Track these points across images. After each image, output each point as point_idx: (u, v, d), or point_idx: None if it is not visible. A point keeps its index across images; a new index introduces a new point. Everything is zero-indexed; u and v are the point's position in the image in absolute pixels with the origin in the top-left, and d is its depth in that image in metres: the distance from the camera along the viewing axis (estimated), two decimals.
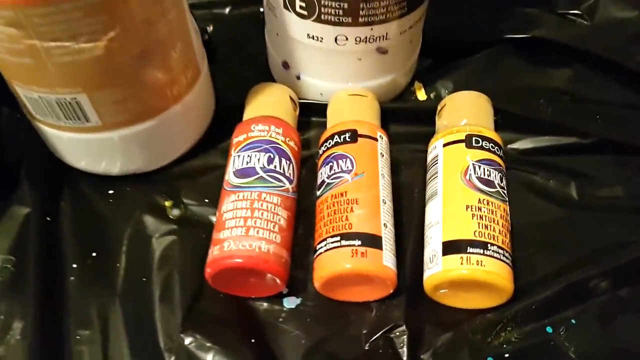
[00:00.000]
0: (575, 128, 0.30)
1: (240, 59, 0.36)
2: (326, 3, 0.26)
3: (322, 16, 0.27)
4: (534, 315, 0.24)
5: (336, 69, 0.30)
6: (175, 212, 0.28)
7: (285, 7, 0.28)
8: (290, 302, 0.25)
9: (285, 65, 0.32)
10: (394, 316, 0.24)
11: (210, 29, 0.37)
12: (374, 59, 0.29)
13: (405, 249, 0.26)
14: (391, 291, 0.24)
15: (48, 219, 0.27)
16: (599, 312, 0.24)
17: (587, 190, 0.29)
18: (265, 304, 0.25)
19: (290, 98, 0.30)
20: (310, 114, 0.32)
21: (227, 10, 0.38)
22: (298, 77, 0.32)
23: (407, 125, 0.32)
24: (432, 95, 0.34)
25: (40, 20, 0.20)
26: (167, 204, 0.28)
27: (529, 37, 0.34)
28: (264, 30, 0.33)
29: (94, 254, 0.26)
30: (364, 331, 0.24)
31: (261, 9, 0.38)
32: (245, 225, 0.23)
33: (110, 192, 0.29)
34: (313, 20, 0.27)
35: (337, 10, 0.27)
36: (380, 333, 0.24)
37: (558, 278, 0.25)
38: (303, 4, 0.27)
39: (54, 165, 0.29)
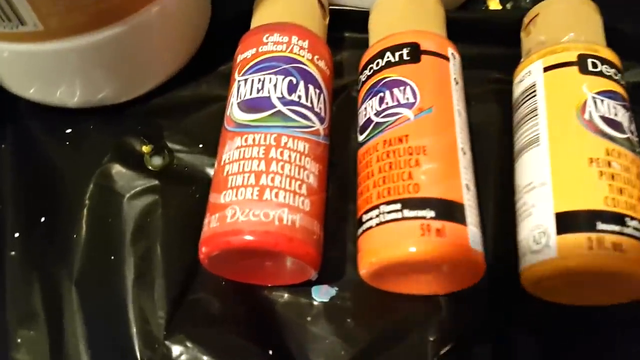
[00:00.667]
0: None
1: None
2: None
3: None
4: None
5: None
6: (157, 162, 0.20)
7: None
8: (322, 294, 0.18)
9: None
10: (473, 317, 0.17)
11: None
12: None
13: (484, 221, 0.18)
14: (476, 282, 0.16)
15: None
16: None
17: None
18: (286, 296, 0.18)
19: (319, 1, 0.21)
20: (344, 28, 0.24)
21: None
22: None
23: (475, 44, 0.23)
24: (508, 5, 0.25)
25: None
26: (145, 149, 0.20)
27: None
28: None
29: (42, 220, 0.19)
30: (431, 338, 0.17)
31: None
32: (259, 184, 0.16)
33: (68, 131, 0.21)
34: None
35: None
36: (454, 341, 0.17)
37: None
38: None
39: None
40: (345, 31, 0.24)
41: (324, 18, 0.22)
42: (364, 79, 0.20)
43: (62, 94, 0.20)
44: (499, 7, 0.25)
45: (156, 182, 0.19)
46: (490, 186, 0.20)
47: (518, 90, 0.20)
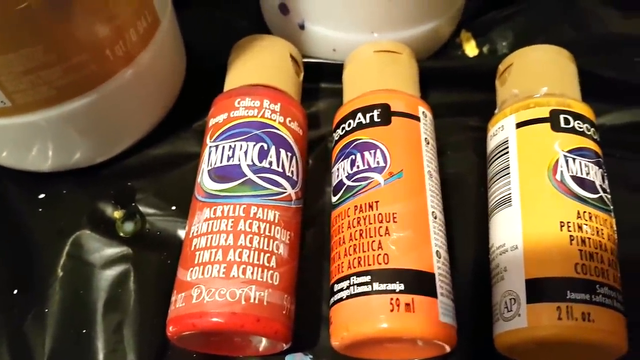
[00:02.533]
0: None
1: (225, 2, 0.27)
2: None
3: None
4: None
5: (357, 13, 0.22)
6: (128, 228, 0.20)
7: None
8: None
9: (284, 8, 0.23)
10: None
11: None
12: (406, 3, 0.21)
13: (461, 278, 0.19)
14: (448, 351, 0.17)
15: None
16: None
17: None
18: None
19: (292, 57, 0.22)
20: (320, 79, 0.24)
21: None
22: (302, 26, 0.23)
23: (452, 91, 0.24)
24: (485, 50, 0.25)
25: None
26: (116, 214, 0.20)
27: None
28: None
29: (15, 292, 0.19)
30: None
31: None
32: (226, 261, 0.16)
33: (41, 196, 0.21)
34: None
35: None
36: None
37: None
38: None
39: None
40: (322, 82, 0.24)
41: (298, 74, 0.22)
42: (337, 138, 0.20)
43: (34, 160, 0.21)
44: (476, 51, 0.25)
45: (128, 249, 0.20)
46: (469, 239, 0.20)
47: (492, 144, 0.20)
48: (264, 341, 0.17)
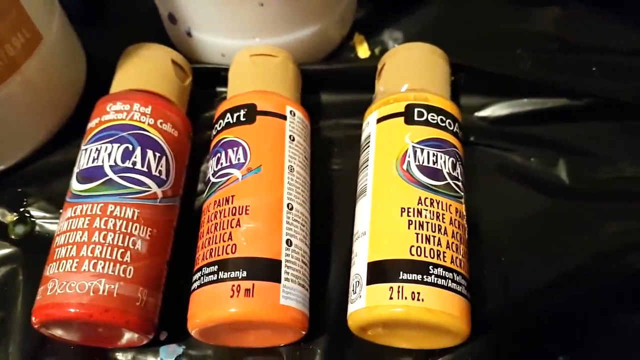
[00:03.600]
0: (565, 86, 0.23)
1: (136, 13, 0.28)
2: None
3: None
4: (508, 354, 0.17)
5: (235, 20, 0.23)
6: (19, 230, 0.21)
7: None
8: (168, 353, 0.19)
9: (172, 18, 0.24)
10: None
11: None
12: (283, 4, 0.22)
13: (335, 270, 0.19)
14: (303, 334, 0.17)
15: None
16: (600, 349, 0.18)
17: (581, 171, 0.22)
18: (131, 357, 0.18)
19: (174, 62, 0.23)
20: (215, 83, 0.25)
21: None
22: (189, 34, 0.24)
23: (343, 93, 0.25)
24: (377, 51, 0.26)
25: None
26: (9, 218, 0.21)
27: None
28: None
29: None
30: None
31: None
32: (79, 256, 0.17)
33: None
34: None
35: None
36: None
37: (543, 300, 0.18)
38: None
39: None
40: (217, 86, 0.25)
41: (182, 79, 0.23)
42: (212, 136, 0.21)
43: None
44: (368, 53, 0.26)
45: (17, 249, 0.20)
46: (347, 233, 0.21)
47: (362, 137, 0.21)
48: (125, 333, 0.17)
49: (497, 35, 0.26)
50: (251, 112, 0.20)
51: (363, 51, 0.26)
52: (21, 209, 0.22)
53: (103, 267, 0.17)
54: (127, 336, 0.18)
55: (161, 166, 0.19)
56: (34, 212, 0.22)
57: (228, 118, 0.20)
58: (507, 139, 0.23)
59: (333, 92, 0.25)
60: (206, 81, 0.25)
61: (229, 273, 0.16)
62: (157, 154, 0.20)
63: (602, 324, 0.18)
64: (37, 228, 0.21)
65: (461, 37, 0.26)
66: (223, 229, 0.17)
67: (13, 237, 0.21)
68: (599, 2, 0.26)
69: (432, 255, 0.16)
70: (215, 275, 0.17)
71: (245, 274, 0.16)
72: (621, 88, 0.23)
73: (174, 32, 0.25)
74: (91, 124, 0.20)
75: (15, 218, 0.21)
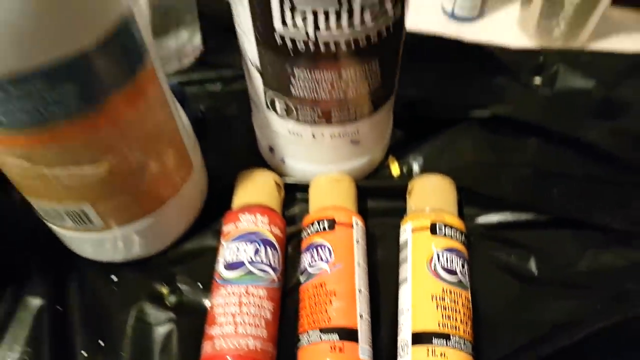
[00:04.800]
0: (535, 204, 0.32)
1: (231, 134, 0.37)
2: (303, 108, 0.28)
3: (300, 117, 0.28)
4: None
5: (316, 155, 0.32)
6: (172, 299, 0.29)
7: (267, 107, 0.29)
8: None
9: (271, 149, 0.33)
10: None
11: (202, 107, 0.38)
12: (349, 147, 0.31)
13: (383, 333, 0.28)
14: None
15: (59, 308, 0.28)
16: None
17: (545, 265, 0.30)
18: None
19: (276, 183, 0.31)
20: (295, 191, 0.34)
21: (218, 86, 0.40)
22: (282, 161, 0.33)
23: (383, 200, 0.33)
24: (404, 170, 0.35)
25: (47, 152, 0.22)
26: (164, 290, 0.30)
27: (493, 116, 0.35)
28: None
29: (101, 343, 0.28)
30: None
31: None
32: (234, 322, 0.25)
33: (114, 278, 0.30)
34: (293, 121, 0.29)
35: (312, 114, 0.28)
36: None
37: (517, 358, 0.26)
38: (284, 107, 0.28)
39: (61, 252, 0.30)
40: (297, 192, 0.34)
41: (280, 193, 0.32)
42: (304, 237, 0.29)
43: (108, 255, 0.30)
44: (398, 171, 0.35)
45: (172, 314, 0.28)
46: (390, 307, 0.28)
47: (401, 239, 0.29)
48: None
49: (488, 163, 0.35)
50: (332, 223, 0.28)
51: (395, 169, 0.35)
52: (172, 283, 0.30)
53: (250, 330, 0.25)
54: None
55: (275, 259, 0.28)
56: (181, 286, 0.30)
57: (316, 226, 0.29)
58: (495, 240, 0.32)
59: (375, 199, 0.34)
60: (290, 190, 0.33)
61: (327, 336, 0.25)
62: (272, 250, 0.28)
63: None
64: (184, 298, 0.30)
65: (463, 163, 0.35)
66: (320, 305, 0.26)
67: (168, 304, 0.29)
68: (561, 139, 0.35)
69: (451, 328, 0.25)
70: (319, 337, 0.25)
71: (337, 337, 0.25)
72: (575, 206, 0.32)
73: (272, 158, 0.34)
74: (228, 228, 0.29)
75: (168, 290, 0.30)
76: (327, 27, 0.22)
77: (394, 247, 0.30)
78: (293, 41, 0.24)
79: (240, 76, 0.39)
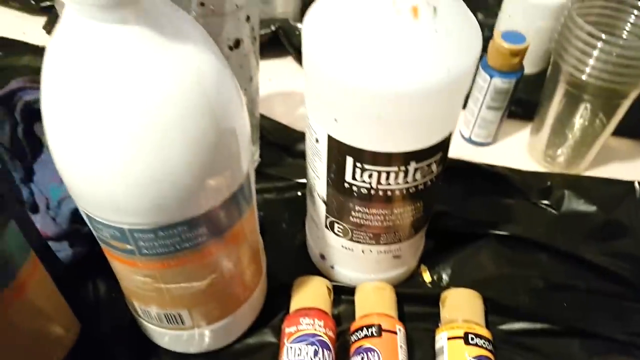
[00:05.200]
0: (548, 315, 0.37)
1: (284, 238, 0.43)
2: (358, 232, 0.34)
3: (354, 237, 0.35)
4: None
5: (362, 266, 0.37)
6: None
7: (326, 227, 0.35)
8: None
9: (322, 256, 0.39)
10: None
11: (262, 214, 0.45)
12: (391, 261, 0.37)
13: None
14: None
15: None
16: None
17: None
18: None
19: (327, 288, 0.37)
20: (341, 293, 0.39)
21: (273, 195, 0.46)
22: (332, 267, 0.39)
23: (417, 306, 0.38)
24: (435, 277, 0.41)
25: (169, 273, 0.28)
26: None
27: (508, 234, 0.41)
28: (301, 212, 0.41)
29: None
30: None
31: (299, 193, 0.46)
32: None
33: None
34: (347, 239, 0.35)
35: (365, 236, 0.34)
36: None
37: None
38: (341, 229, 0.34)
39: (141, 340, 0.35)
40: (342, 294, 0.39)
41: (330, 296, 0.37)
42: (353, 340, 0.34)
43: (184, 346, 0.35)
44: (430, 278, 0.40)
45: None
46: None
47: (437, 345, 0.34)
48: None
49: (507, 276, 0.40)
50: (379, 330, 0.34)
51: (427, 277, 0.41)
52: None
53: None
54: None
55: (330, 358, 0.33)
56: None
57: (365, 331, 0.34)
58: (516, 346, 0.37)
59: (412, 304, 0.39)
60: (336, 291, 0.39)
61: None
62: (327, 351, 0.33)
63: None
64: None
65: (485, 275, 0.40)
66: None
67: None
68: (567, 256, 0.41)
69: None
70: None
71: None
72: (581, 318, 0.37)
73: (322, 264, 0.40)
74: (290, 329, 0.34)
75: None
76: (387, 181, 0.29)
77: (430, 351, 0.35)
78: (358, 188, 0.30)
79: (292, 187, 0.46)
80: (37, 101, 0.43)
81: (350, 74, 0.23)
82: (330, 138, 0.28)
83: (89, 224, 0.27)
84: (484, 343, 0.33)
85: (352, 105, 0.25)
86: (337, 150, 0.29)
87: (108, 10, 0.20)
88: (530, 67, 0.47)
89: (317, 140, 0.30)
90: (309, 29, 0.25)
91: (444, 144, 0.28)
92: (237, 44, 0.36)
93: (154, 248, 0.26)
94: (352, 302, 0.37)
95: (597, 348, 0.36)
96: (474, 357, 0.32)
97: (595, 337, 0.36)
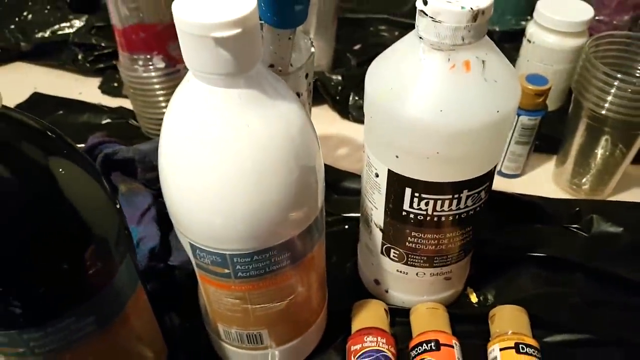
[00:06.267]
0: (586, 328, 0.40)
1: (335, 268, 0.47)
2: (412, 256, 0.38)
3: (409, 262, 0.38)
4: None
5: (416, 289, 0.41)
6: None
7: (382, 253, 0.39)
8: None
9: (377, 282, 0.43)
10: None
11: None
12: (442, 283, 0.40)
13: None
14: None
15: None
16: None
17: None
18: None
19: (385, 310, 0.40)
20: (396, 315, 0.42)
21: None
22: (386, 291, 0.42)
23: (467, 324, 0.41)
24: (481, 298, 0.44)
25: (257, 294, 0.32)
26: None
27: (546, 255, 0.45)
28: (348, 244, 0.44)
29: None
30: None
31: (346, 227, 0.50)
32: None
33: None
34: (402, 264, 0.39)
35: (419, 260, 0.38)
36: None
37: None
38: (396, 254, 0.38)
39: None
40: (396, 317, 0.43)
41: (387, 317, 0.41)
42: (413, 355, 0.37)
43: None
44: (476, 299, 0.44)
45: None
46: None
47: (490, 357, 0.37)
48: None
49: (546, 294, 0.43)
50: (437, 344, 0.37)
51: (473, 298, 0.44)
52: None
53: None
54: None
55: None
56: None
57: (424, 346, 0.37)
58: (558, 356, 0.39)
59: (461, 324, 0.42)
60: (390, 314, 0.42)
61: None
62: None
63: None
64: None
65: (526, 294, 0.43)
66: None
67: None
68: (601, 274, 0.44)
69: None
70: None
71: None
72: (617, 329, 0.40)
73: (376, 288, 0.43)
74: (356, 347, 0.37)
75: None
76: (442, 208, 0.33)
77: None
78: (415, 215, 0.34)
79: (339, 222, 0.50)
80: (115, 153, 0.49)
81: (415, 117, 0.28)
82: (390, 172, 0.33)
83: (191, 254, 0.31)
84: (533, 351, 0.36)
85: (415, 144, 0.29)
86: (397, 183, 0.33)
87: (227, 78, 0.25)
88: (550, 105, 0.52)
89: (376, 175, 0.34)
90: (378, 80, 0.30)
91: (491, 174, 0.33)
92: (298, 96, 0.41)
93: (248, 271, 0.30)
94: (407, 324, 0.41)
95: (636, 356, 0.38)
96: None
97: (633, 345, 0.39)
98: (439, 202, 0.33)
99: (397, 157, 0.31)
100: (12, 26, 0.73)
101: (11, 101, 0.65)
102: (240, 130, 0.26)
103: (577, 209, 0.49)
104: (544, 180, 0.54)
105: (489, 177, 0.32)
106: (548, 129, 0.53)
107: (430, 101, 0.28)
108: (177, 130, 0.27)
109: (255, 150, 0.26)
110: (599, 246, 0.46)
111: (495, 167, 0.33)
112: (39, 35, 0.72)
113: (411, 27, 0.29)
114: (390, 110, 0.29)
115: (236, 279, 0.30)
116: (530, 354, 0.36)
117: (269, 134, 0.26)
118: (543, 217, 0.49)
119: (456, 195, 0.32)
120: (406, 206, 0.34)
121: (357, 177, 0.53)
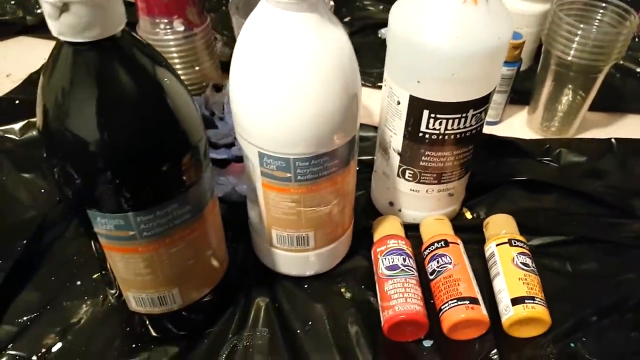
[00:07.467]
0: (559, 231, 0.49)
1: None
2: (424, 174, 0.45)
3: (421, 180, 0.46)
4: (562, 336, 0.41)
5: (424, 205, 0.49)
6: (348, 295, 0.44)
7: (398, 175, 0.47)
8: (427, 343, 0.41)
9: (391, 203, 0.50)
10: (488, 345, 0.40)
11: None
12: (446, 199, 0.48)
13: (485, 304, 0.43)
14: (487, 329, 0.40)
15: (276, 304, 0.43)
16: None
17: (576, 266, 0.46)
18: (412, 345, 0.41)
19: (400, 223, 0.48)
20: (407, 230, 0.50)
21: None
22: (400, 210, 0.50)
23: (464, 233, 0.49)
24: (475, 215, 0.52)
25: (309, 197, 0.38)
26: (342, 289, 0.45)
27: (527, 179, 0.53)
28: (359, 181, 0.52)
29: (310, 323, 0.42)
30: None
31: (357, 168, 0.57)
32: (404, 297, 0.40)
33: (305, 286, 0.45)
34: (415, 182, 0.46)
35: (429, 177, 0.45)
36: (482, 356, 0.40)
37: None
38: (411, 174, 0.46)
39: (264, 274, 0.45)
40: (408, 232, 0.50)
41: (402, 228, 0.48)
42: (426, 253, 0.45)
43: (303, 270, 0.45)
44: (470, 216, 0.52)
45: (351, 303, 0.43)
46: (485, 290, 0.44)
47: (487, 253, 0.46)
48: (419, 327, 0.40)
49: (528, 208, 0.52)
50: (446, 242, 0.45)
51: (468, 215, 0.52)
52: (347, 285, 0.45)
53: (414, 300, 0.40)
54: (418, 330, 0.40)
55: (413, 263, 0.44)
56: (352, 287, 0.45)
57: (436, 244, 0.45)
58: (542, 253, 0.48)
59: (459, 233, 0.50)
60: (407, 227, 0.50)
61: (461, 302, 0.40)
62: (411, 259, 0.44)
63: None
64: (356, 294, 0.44)
65: (511, 209, 0.52)
66: (452, 286, 0.41)
67: (346, 298, 0.44)
68: (571, 192, 0.53)
69: (534, 293, 0.40)
70: (456, 303, 0.40)
71: (468, 302, 0.40)
72: (586, 230, 0.49)
73: (389, 209, 0.50)
74: (381, 248, 0.45)
75: (345, 288, 0.45)
76: (452, 126, 0.41)
77: (481, 261, 0.46)
78: (430, 135, 0.42)
79: None
80: None
81: (434, 43, 0.36)
82: (411, 97, 0.40)
83: (258, 163, 0.37)
84: (523, 245, 0.44)
85: (433, 67, 0.37)
86: (417, 107, 0.40)
87: (295, 3, 0.31)
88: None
89: (398, 103, 0.42)
90: (402, 15, 0.37)
91: (490, 96, 0.40)
92: None
93: (306, 175, 0.37)
94: (417, 237, 0.48)
95: (600, 249, 0.47)
96: (517, 253, 0.43)
97: (598, 241, 0.48)
98: (450, 121, 0.40)
99: (418, 82, 0.39)
100: (12, 1, 0.76)
101: (24, 72, 0.68)
102: (306, 48, 0.32)
103: (548, 145, 0.58)
104: (519, 126, 0.63)
105: (488, 99, 0.40)
106: (520, 85, 0.62)
107: (448, 30, 0.35)
108: (251, 50, 0.33)
109: (317, 65, 0.33)
110: (566, 172, 0.55)
111: (494, 90, 0.41)
112: (40, 10, 0.74)
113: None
114: (414, 40, 0.37)
115: (296, 182, 0.37)
116: (521, 247, 0.44)
117: (329, 52, 0.33)
118: (520, 153, 0.58)
119: (464, 114, 0.40)
120: (423, 127, 0.41)
121: (364, 126, 0.60)
